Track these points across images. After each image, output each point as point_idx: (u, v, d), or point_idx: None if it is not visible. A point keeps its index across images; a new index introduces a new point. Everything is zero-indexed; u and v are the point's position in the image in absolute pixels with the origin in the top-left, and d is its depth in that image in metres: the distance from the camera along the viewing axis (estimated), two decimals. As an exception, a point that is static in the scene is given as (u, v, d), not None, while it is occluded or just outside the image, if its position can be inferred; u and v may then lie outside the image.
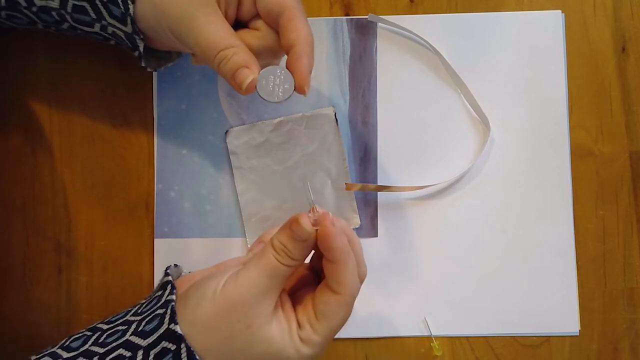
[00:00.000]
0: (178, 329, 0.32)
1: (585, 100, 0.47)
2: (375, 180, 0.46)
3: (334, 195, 0.46)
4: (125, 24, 0.37)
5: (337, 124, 0.46)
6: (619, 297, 0.46)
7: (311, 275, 0.37)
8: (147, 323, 0.34)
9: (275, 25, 0.37)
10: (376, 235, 0.46)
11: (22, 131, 0.46)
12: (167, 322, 0.33)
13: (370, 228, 0.46)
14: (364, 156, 0.47)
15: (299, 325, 0.34)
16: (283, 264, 0.33)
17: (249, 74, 0.36)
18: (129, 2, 0.36)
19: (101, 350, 0.33)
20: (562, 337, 0.46)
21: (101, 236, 0.46)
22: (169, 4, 0.36)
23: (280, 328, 0.33)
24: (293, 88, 0.36)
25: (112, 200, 0.46)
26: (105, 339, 0.34)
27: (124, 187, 0.46)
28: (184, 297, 0.34)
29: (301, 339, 0.33)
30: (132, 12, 0.36)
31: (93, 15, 0.37)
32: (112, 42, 0.40)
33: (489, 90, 0.47)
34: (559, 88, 0.47)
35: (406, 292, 0.46)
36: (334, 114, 0.46)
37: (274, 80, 0.36)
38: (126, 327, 0.34)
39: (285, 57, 0.37)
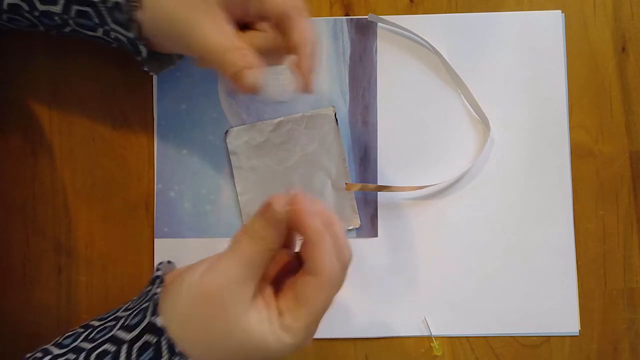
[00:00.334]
0: (158, 321, 0.32)
1: (585, 100, 0.47)
2: (375, 180, 0.46)
3: (334, 195, 0.46)
4: (129, 30, 0.37)
5: (337, 124, 0.46)
6: (619, 297, 0.46)
7: (296, 264, 0.36)
8: (133, 317, 0.34)
9: (279, 26, 0.38)
10: (376, 235, 0.46)
11: (22, 131, 0.46)
12: (150, 314, 0.33)
13: (370, 228, 0.46)
14: (364, 156, 0.47)
15: (279, 312, 0.33)
16: (257, 251, 0.32)
17: (254, 75, 0.36)
18: (134, 8, 0.36)
19: (89, 346, 0.34)
20: (562, 337, 0.46)
21: (101, 236, 0.46)
22: (172, 11, 0.36)
23: (258, 317, 0.32)
24: (298, 88, 0.37)
25: (112, 200, 0.46)
26: (94, 335, 0.34)
27: (124, 187, 0.46)
28: (168, 290, 0.34)
29: (281, 327, 0.32)
30: (137, 19, 0.37)
31: (96, 20, 0.37)
32: (115, 46, 0.40)
33: (489, 90, 0.47)
34: (559, 88, 0.47)
35: (406, 292, 0.46)
36: (334, 114, 0.46)
37: (279, 81, 0.37)
38: (115, 322, 0.35)
39: (287, 56, 0.38)
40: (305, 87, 0.37)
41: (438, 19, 0.47)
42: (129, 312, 0.35)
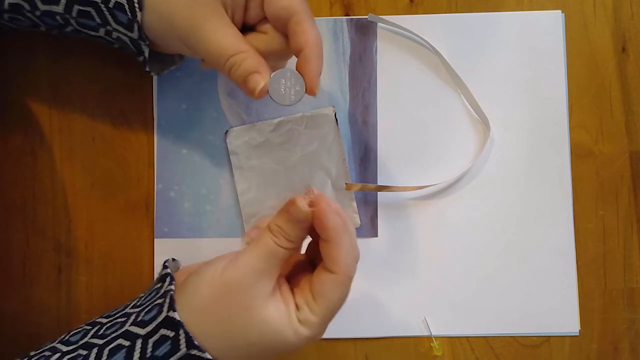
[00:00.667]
0: (176, 315, 0.33)
1: (585, 100, 0.47)
2: (375, 180, 0.46)
3: (334, 195, 0.46)
4: (131, 30, 0.37)
5: (337, 124, 0.46)
6: (619, 297, 0.46)
7: (307, 262, 0.38)
8: (146, 313, 0.34)
9: (283, 28, 0.38)
10: (376, 235, 0.46)
11: (22, 131, 0.46)
12: (166, 310, 0.33)
13: (370, 228, 0.46)
14: (364, 156, 0.47)
15: (296, 307, 0.34)
16: (280, 246, 0.34)
17: (261, 79, 0.36)
18: (137, 9, 0.36)
19: (101, 342, 0.34)
20: (562, 337, 0.46)
21: (101, 236, 0.46)
22: (176, 13, 0.36)
23: (278, 310, 0.34)
24: (304, 90, 0.37)
25: (112, 200, 0.46)
26: (104, 331, 0.34)
27: (124, 187, 0.46)
28: (183, 285, 0.35)
29: (299, 320, 0.34)
30: (139, 20, 0.36)
31: (98, 20, 0.37)
32: (116, 46, 0.40)
33: (489, 90, 0.47)
34: (559, 88, 0.47)
35: (406, 292, 0.46)
36: (334, 114, 0.46)
37: (285, 84, 0.37)
38: (125, 319, 0.35)
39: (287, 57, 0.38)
40: (311, 91, 0.37)
41: (438, 19, 0.47)
42: (140, 308, 0.35)
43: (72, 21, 0.38)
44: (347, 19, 0.47)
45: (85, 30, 0.39)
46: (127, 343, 0.33)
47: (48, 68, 0.46)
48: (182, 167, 0.46)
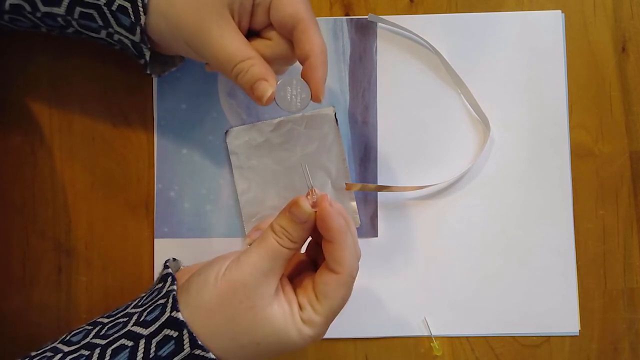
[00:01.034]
0: (180, 315, 0.33)
1: (585, 100, 0.47)
2: (375, 180, 0.46)
3: (334, 195, 0.46)
4: (133, 34, 0.37)
5: (337, 124, 0.46)
6: (619, 297, 0.46)
7: (309, 262, 0.39)
8: (149, 313, 0.34)
9: (288, 35, 0.38)
10: (376, 235, 0.46)
11: (22, 131, 0.46)
12: (169, 310, 0.34)
13: (370, 228, 0.46)
14: (364, 156, 0.47)
15: (300, 307, 0.35)
16: (283, 247, 0.34)
17: (268, 87, 0.37)
18: (141, 13, 0.36)
19: (103, 342, 0.34)
20: (562, 337, 0.46)
21: (101, 236, 0.46)
22: (182, 18, 0.36)
23: (282, 309, 0.34)
24: (310, 97, 0.38)
25: (112, 200, 0.46)
26: (106, 331, 0.34)
27: (124, 187, 0.46)
28: (185, 286, 0.35)
29: (302, 320, 0.34)
30: (143, 23, 0.36)
31: (100, 22, 0.37)
32: (117, 48, 0.40)
33: (489, 90, 0.47)
34: (559, 88, 0.47)
35: (406, 292, 0.46)
36: (334, 114, 0.46)
37: (291, 91, 0.38)
38: (127, 319, 0.35)
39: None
40: (316, 98, 0.37)
41: (438, 19, 0.47)
42: (142, 308, 0.35)
43: (74, 23, 0.38)
44: (347, 19, 0.47)
45: (87, 32, 0.39)
46: (130, 343, 0.33)
47: (48, 68, 0.46)
48: (182, 167, 0.46)
